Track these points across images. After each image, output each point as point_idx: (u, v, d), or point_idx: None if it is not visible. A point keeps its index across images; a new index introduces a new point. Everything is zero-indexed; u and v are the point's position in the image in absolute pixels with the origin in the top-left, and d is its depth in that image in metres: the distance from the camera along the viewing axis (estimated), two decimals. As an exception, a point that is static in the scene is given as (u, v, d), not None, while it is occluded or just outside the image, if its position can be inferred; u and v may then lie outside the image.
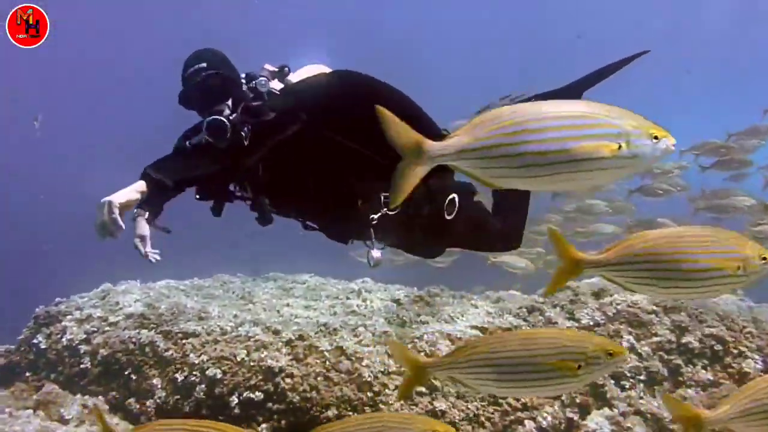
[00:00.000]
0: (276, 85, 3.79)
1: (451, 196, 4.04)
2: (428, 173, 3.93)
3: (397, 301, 6.90)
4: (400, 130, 2.18)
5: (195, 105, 3.64)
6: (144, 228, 3.51)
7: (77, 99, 26.04)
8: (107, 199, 3.38)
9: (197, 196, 3.79)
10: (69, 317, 5.80)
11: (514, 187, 2.26)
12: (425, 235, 4.17)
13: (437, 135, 4.02)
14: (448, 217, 4.05)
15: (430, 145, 2.21)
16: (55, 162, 24.29)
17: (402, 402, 4.91)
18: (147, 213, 3.58)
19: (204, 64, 3.59)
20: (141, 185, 3.30)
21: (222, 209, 3.88)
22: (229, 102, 3.61)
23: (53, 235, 19.24)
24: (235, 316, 5.89)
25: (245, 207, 3.99)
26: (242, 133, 3.51)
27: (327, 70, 4.03)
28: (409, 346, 5.40)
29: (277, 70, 3.84)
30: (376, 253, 3.87)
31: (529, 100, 4.40)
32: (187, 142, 3.63)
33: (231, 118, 3.54)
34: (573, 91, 4.35)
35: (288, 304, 6.61)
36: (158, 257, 3.46)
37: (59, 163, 24.22)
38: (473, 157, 2.15)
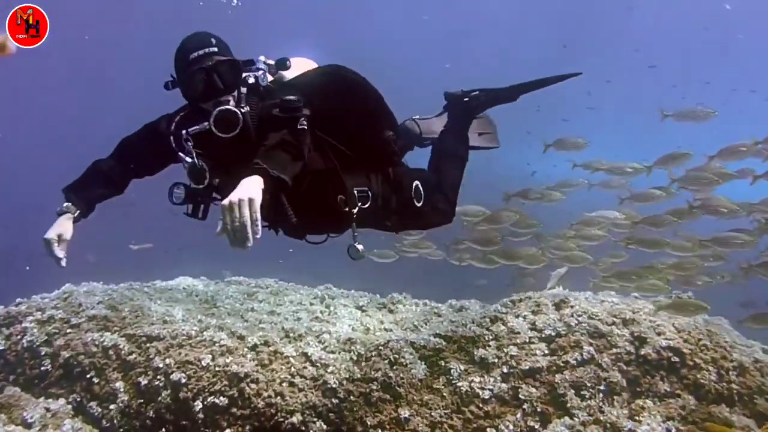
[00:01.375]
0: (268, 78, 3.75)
1: (415, 184, 4.14)
2: (386, 167, 3.93)
3: (360, 308, 6.95)
4: None
5: (198, 90, 3.48)
6: (65, 228, 3.52)
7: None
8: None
9: (176, 200, 3.71)
10: (30, 318, 5.70)
11: None
12: (399, 223, 4.25)
13: (395, 129, 4.16)
14: (418, 205, 4.16)
15: None
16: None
17: (366, 409, 4.96)
18: (77, 212, 3.63)
19: (215, 49, 3.48)
20: (260, 182, 2.96)
21: (208, 211, 3.82)
22: (235, 93, 3.52)
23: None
24: (200, 320, 5.87)
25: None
26: (302, 128, 3.41)
27: (313, 64, 4.06)
28: (373, 354, 5.44)
29: (273, 63, 3.79)
30: (360, 246, 3.89)
31: (472, 93, 5.04)
32: (185, 131, 3.48)
33: (243, 110, 3.46)
34: (513, 92, 4.98)
35: (253, 309, 6.61)
36: (64, 264, 3.46)
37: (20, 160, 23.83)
38: None
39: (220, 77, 3.44)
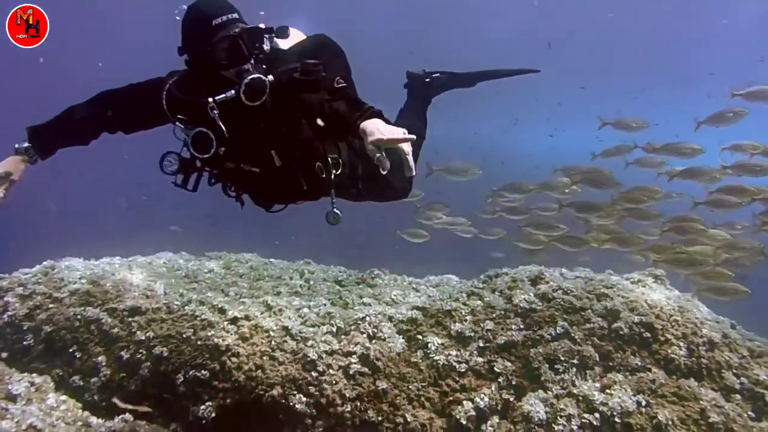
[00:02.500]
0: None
1: (377, 154, 4.21)
2: (349, 135, 3.99)
3: (339, 282, 7.03)
4: None
5: (223, 58, 3.43)
6: (16, 168, 3.41)
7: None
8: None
9: (168, 170, 3.72)
10: (11, 293, 5.71)
11: None
12: (365, 191, 4.34)
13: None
14: (384, 173, 4.23)
15: None
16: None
17: (345, 382, 5.05)
18: (35, 157, 3.53)
19: (236, 15, 3.47)
20: None
21: (199, 183, 3.85)
22: (252, 61, 3.51)
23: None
24: (181, 294, 5.92)
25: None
26: (342, 85, 3.52)
27: (302, 35, 4.09)
28: (352, 327, 5.53)
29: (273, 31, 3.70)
30: (337, 211, 3.97)
31: (433, 74, 5.36)
32: (211, 99, 3.43)
33: (268, 79, 3.45)
34: (472, 79, 5.34)
35: (234, 283, 6.67)
36: (1, 195, 3.33)
37: None
38: None
39: (245, 45, 3.43)
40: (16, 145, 3.51)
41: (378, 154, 2.96)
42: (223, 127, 3.49)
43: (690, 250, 6.94)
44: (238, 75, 3.44)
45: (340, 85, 3.54)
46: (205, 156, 3.58)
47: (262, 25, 3.59)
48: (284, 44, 3.92)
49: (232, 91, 3.42)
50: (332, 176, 3.87)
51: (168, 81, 3.67)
